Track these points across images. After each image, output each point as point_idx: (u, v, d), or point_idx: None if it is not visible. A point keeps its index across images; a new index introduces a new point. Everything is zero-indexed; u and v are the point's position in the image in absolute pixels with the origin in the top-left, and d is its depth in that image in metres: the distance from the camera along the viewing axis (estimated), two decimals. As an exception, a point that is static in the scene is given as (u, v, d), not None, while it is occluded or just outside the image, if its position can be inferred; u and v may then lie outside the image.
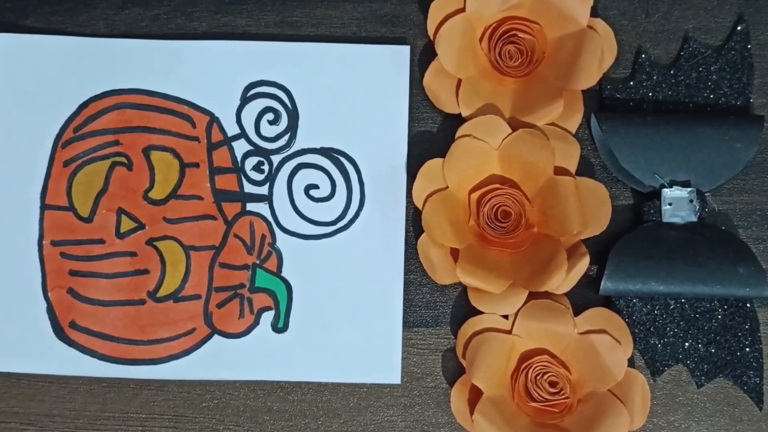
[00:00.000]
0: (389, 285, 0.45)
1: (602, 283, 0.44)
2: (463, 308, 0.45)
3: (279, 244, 0.46)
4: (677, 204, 0.45)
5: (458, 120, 0.46)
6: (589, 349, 0.43)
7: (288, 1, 0.48)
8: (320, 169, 0.46)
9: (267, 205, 0.46)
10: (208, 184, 0.46)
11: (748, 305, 0.45)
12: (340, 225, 0.46)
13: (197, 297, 0.45)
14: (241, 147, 0.46)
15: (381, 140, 0.46)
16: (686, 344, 0.45)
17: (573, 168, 0.45)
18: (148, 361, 0.45)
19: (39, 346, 0.45)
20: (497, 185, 0.45)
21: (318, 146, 0.46)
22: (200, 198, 0.46)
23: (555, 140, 0.45)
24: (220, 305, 0.45)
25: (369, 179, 0.46)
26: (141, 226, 0.46)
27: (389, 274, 0.45)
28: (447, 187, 0.45)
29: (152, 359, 0.45)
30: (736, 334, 0.45)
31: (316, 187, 0.46)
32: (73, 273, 0.45)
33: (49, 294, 0.45)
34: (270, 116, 0.46)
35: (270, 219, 0.46)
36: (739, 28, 0.47)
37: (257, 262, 0.45)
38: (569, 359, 0.44)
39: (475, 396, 0.43)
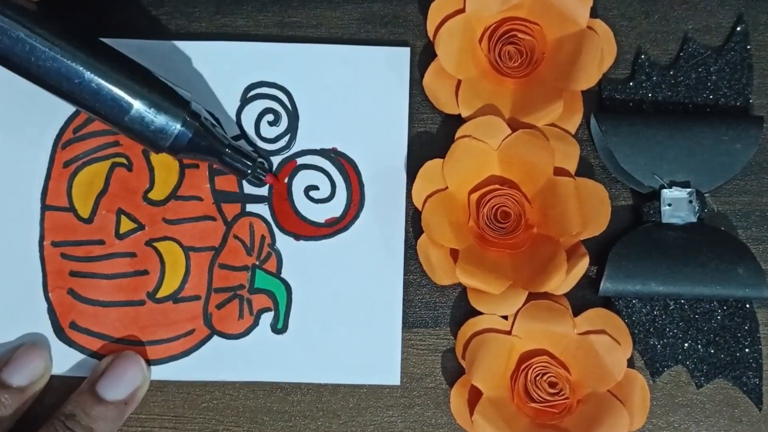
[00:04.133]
0: (389, 286, 0.45)
1: (602, 284, 0.44)
2: (463, 309, 0.45)
3: (278, 245, 0.46)
4: (676, 205, 0.45)
5: (458, 121, 0.46)
6: (589, 350, 0.43)
7: (288, 2, 0.48)
8: (320, 170, 0.46)
9: (267, 206, 0.46)
10: (208, 185, 0.46)
11: (747, 306, 0.45)
12: (339, 226, 0.46)
13: (197, 298, 0.45)
14: (240, 148, 0.46)
15: (381, 141, 0.46)
16: (686, 345, 0.45)
17: (573, 168, 0.45)
18: (148, 362, 0.45)
19: (39, 347, 0.45)
20: (497, 186, 0.45)
21: (318, 147, 0.46)
22: (200, 199, 0.46)
23: (555, 141, 0.45)
24: (219, 306, 0.45)
25: (369, 180, 0.46)
26: (140, 227, 0.46)
27: (389, 275, 0.45)
28: (447, 187, 0.45)
29: (152, 360, 0.45)
30: (736, 335, 0.45)
31: (316, 188, 0.46)
32: (74, 274, 0.45)
33: (50, 295, 0.45)
34: (270, 117, 0.46)
35: (270, 220, 0.46)
36: (738, 28, 0.47)
37: (257, 263, 0.45)
38: (569, 360, 0.44)
39: (474, 397, 0.43)
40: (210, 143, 0.42)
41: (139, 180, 0.46)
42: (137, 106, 0.40)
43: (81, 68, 0.39)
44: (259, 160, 0.44)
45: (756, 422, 0.45)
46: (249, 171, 0.44)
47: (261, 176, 0.44)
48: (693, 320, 0.45)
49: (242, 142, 0.45)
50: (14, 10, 0.39)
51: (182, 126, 0.41)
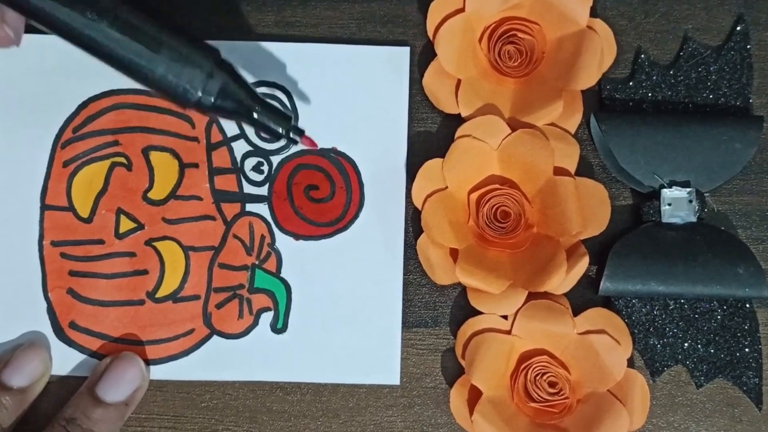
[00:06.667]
0: (388, 285, 0.45)
1: (602, 284, 0.44)
2: (463, 309, 0.45)
3: (278, 244, 0.46)
4: (676, 204, 0.45)
5: (458, 120, 0.46)
6: (589, 350, 0.43)
7: (287, 2, 0.48)
8: (320, 170, 0.46)
9: (266, 205, 0.46)
10: (208, 185, 0.46)
11: (747, 306, 0.45)
12: (339, 226, 0.46)
13: (196, 297, 0.45)
14: (240, 147, 0.46)
15: (380, 141, 0.46)
16: (686, 344, 0.45)
17: (572, 168, 0.45)
18: (147, 362, 0.45)
19: (39, 347, 0.45)
20: (497, 185, 0.45)
21: (318, 147, 0.46)
22: (199, 198, 0.46)
23: (554, 140, 0.45)
24: (219, 306, 0.45)
25: (368, 180, 0.46)
26: (140, 227, 0.46)
27: (388, 275, 0.45)
28: (446, 187, 0.45)
29: (151, 360, 0.45)
30: (736, 335, 0.45)
31: (315, 188, 0.46)
32: (73, 273, 0.45)
33: (50, 294, 0.45)
34: (270, 117, 0.46)
35: (269, 219, 0.46)
36: (738, 28, 0.47)
37: (256, 262, 0.45)
38: (569, 360, 0.44)
39: (474, 396, 0.43)
40: (241, 97, 0.38)
41: (138, 179, 0.46)
42: (163, 56, 0.37)
43: (104, 21, 0.37)
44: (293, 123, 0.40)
45: (756, 422, 0.45)
46: (282, 131, 0.39)
47: (296, 138, 0.40)
48: (693, 320, 0.45)
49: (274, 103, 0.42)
50: None
51: (211, 73, 0.37)
